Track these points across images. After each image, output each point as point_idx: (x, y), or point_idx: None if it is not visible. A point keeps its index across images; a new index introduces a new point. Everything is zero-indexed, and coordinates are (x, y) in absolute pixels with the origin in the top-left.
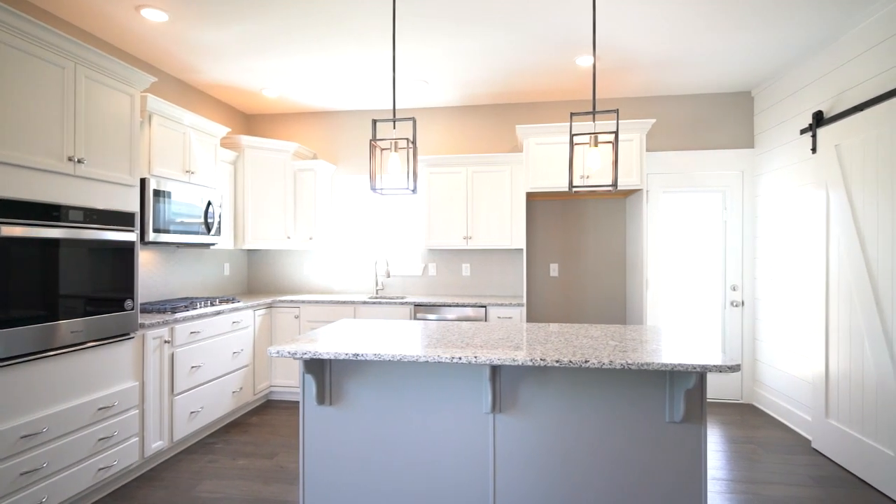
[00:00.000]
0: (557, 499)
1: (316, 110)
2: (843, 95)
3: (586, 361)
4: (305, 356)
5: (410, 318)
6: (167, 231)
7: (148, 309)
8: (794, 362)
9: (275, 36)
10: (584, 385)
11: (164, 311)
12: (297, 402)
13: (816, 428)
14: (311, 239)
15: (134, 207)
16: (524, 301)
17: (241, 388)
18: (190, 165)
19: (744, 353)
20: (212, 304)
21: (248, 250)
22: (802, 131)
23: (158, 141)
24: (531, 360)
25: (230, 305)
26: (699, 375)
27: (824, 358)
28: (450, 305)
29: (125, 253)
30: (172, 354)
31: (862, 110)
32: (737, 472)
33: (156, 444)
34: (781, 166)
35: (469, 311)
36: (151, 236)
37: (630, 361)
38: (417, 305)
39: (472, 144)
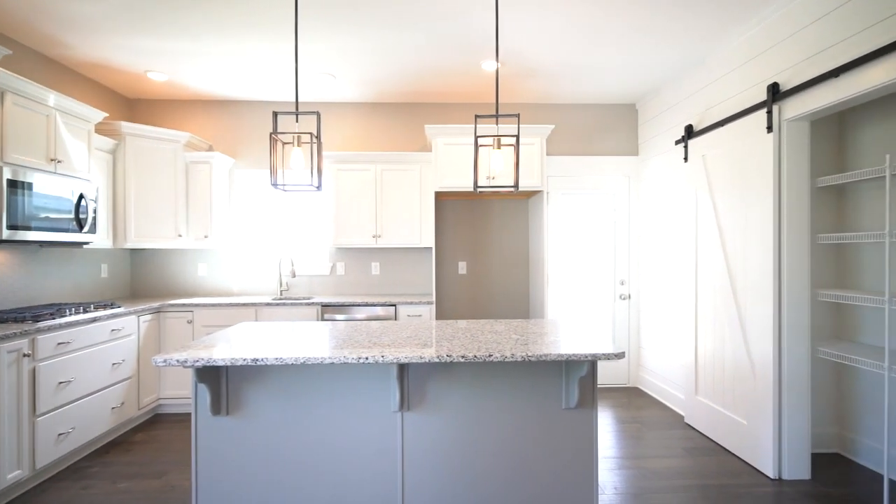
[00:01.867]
0: (465, 490)
1: (212, 98)
2: (709, 112)
3: (490, 356)
4: (198, 364)
5: (318, 320)
6: (27, 228)
7: (2, 318)
8: (671, 348)
9: (161, 13)
10: (489, 378)
11: (23, 321)
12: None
13: (688, 405)
14: (206, 237)
15: None
16: (433, 299)
17: (122, 403)
18: (56, 153)
19: (630, 342)
20: (85, 311)
21: (131, 250)
22: (677, 142)
23: (13, 123)
24: (438, 357)
25: (108, 311)
26: (590, 364)
27: (694, 342)
28: (359, 305)
29: None
30: (34, 369)
31: (723, 125)
32: (624, 449)
33: (12, 475)
34: (660, 173)
35: (379, 311)
36: (5, 234)
37: (530, 354)
38: (325, 306)
39: (382, 142)
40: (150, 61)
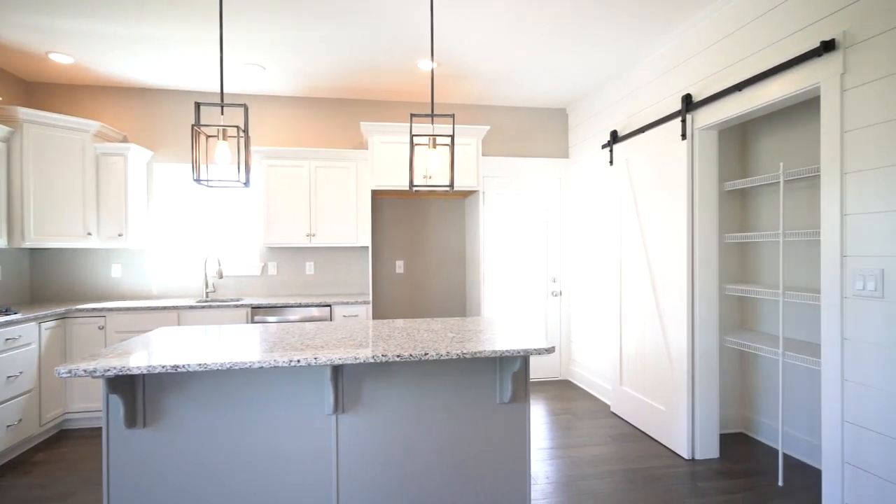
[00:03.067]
0: (401, 488)
1: (127, 85)
2: (632, 118)
3: (426, 354)
4: (109, 374)
5: (248, 322)
6: None
7: None
8: (599, 341)
9: None
10: (425, 377)
11: None
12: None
13: (614, 395)
14: (120, 236)
15: None
16: (370, 298)
17: (20, 420)
18: None
19: (561, 337)
20: None
21: (31, 249)
22: (603, 146)
23: None
24: (374, 357)
25: (1, 318)
26: (523, 359)
27: (619, 336)
28: (292, 306)
29: None
30: None
31: (644, 132)
32: (556, 439)
33: None
34: (588, 175)
35: (314, 312)
36: None
37: (465, 351)
38: (255, 308)
39: (315, 138)
40: (53, 41)
